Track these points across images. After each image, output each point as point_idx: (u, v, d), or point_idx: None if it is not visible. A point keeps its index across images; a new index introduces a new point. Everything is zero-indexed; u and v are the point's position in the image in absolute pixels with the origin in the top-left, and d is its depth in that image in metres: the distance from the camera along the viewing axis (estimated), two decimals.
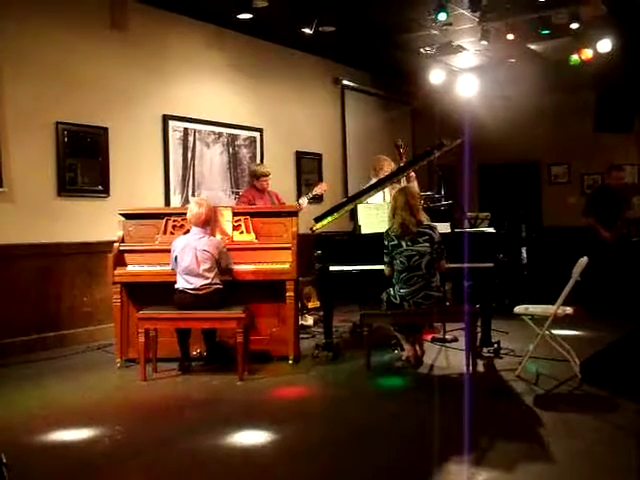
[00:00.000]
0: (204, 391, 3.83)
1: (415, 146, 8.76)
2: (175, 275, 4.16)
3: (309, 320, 5.92)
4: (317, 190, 5.91)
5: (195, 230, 4.17)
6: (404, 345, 4.41)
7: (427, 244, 4.01)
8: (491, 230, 4.72)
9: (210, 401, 3.65)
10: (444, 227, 4.49)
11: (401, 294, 4.05)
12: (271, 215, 4.71)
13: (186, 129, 6.06)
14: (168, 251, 4.25)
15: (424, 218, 4.10)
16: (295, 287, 4.41)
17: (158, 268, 4.39)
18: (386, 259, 4.12)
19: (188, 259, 4.07)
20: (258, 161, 6.65)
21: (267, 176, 5.61)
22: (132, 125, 5.61)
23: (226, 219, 4.61)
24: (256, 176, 5.62)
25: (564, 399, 3.57)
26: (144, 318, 4.06)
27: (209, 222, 4.19)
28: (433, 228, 4.07)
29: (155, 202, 5.73)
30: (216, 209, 4.63)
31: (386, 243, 4.09)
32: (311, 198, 5.89)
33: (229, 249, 4.33)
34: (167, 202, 5.87)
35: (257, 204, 5.47)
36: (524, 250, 7.85)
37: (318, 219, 4.86)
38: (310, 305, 6.30)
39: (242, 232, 4.59)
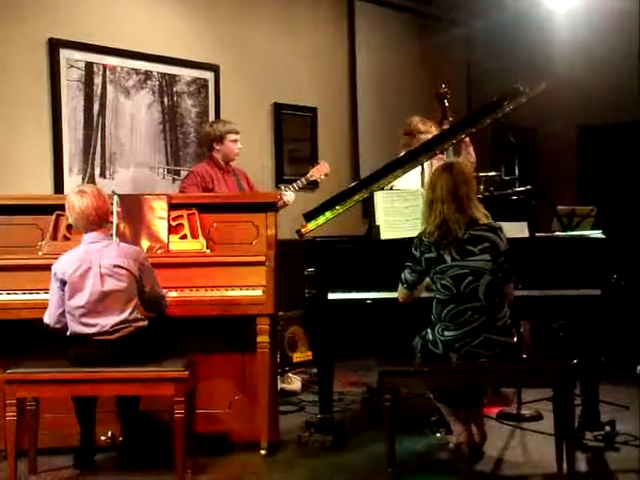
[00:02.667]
0: None
1: (471, 98, 8.81)
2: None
3: (294, 383, 5.95)
4: (314, 174, 5.97)
5: (91, 237, 4.16)
6: (452, 425, 4.42)
7: (487, 256, 4.03)
8: (599, 235, 4.75)
9: None
10: (518, 229, 4.52)
11: (446, 339, 4.06)
12: (233, 209, 4.73)
13: (90, 64, 6.05)
14: None
15: (481, 214, 4.14)
16: (271, 327, 4.42)
17: (43, 296, 4.32)
18: (409, 276, 4.16)
19: (88, 285, 4.05)
20: (212, 118, 6.69)
21: (236, 133, 5.66)
22: None
23: (157, 215, 4.62)
24: (217, 138, 5.66)
25: None
26: (15, 381, 4.02)
27: (106, 218, 4.24)
28: (496, 230, 4.10)
29: (38, 186, 5.73)
30: (141, 199, 4.65)
31: (417, 255, 4.12)
32: (303, 187, 5.93)
33: (162, 265, 4.35)
34: (58, 186, 5.88)
35: (217, 190, 5.53)
36: None
37: (310, 215, 4.89)
38: (296, 357, 6.32)
39: (184, 236, 4.61)
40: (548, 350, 4.74)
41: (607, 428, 4.56)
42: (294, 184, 5.89)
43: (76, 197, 4.18)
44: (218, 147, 5.68)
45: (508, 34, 8.44)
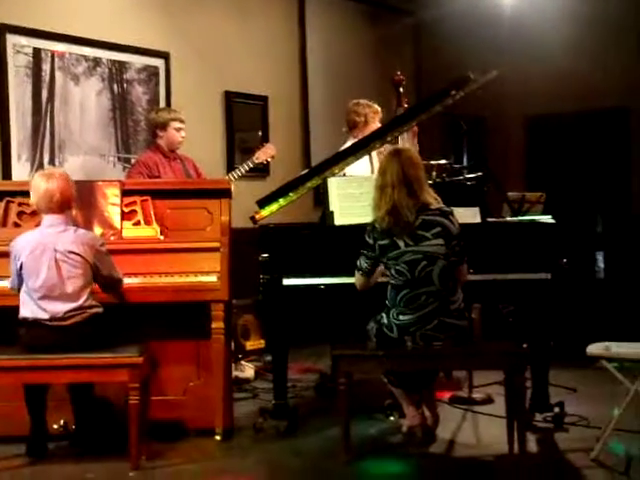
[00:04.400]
0: None
1: (421, 84, 8.88)
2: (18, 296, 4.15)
3: (247, 370, 5.98)
4: (260, 156, 5.96)
5: (50, 220, 4.15)
6: (405, 408, 4.46)
7: (440, 240, 4.08)
8: (548, 220, 4.82)
9: None
10: (471, 214, 4.59)
11: (401, 323, 4.11)
12: (187, 195, 4.73)
13: (38, 50, 5.98)
14: (8, 255, 4.22)
15: (432, 199, 4.18)
16: (226, 314, 4.44)
17: None
18: (364, 264, 4.20)
19: (43, 269, 4.05)
20: (162, 105, 6.66)
21: (180, 122, 5.65)
22: None
23: (110, 201, 4.61)
24: (161, 125, 5.66)
25: None
26: None
27: (69, 204, 4.21)
28: (447, 214, 4.14)
29: None
30: (93, 185, 4.63)
31: (371, 242, 4.15)
32: (249, 170, 5.94)
33: (116, 251, 4.34)
34: (6, 173, 5.81)
35: (163, 177, 5.51)
36: (600, 255, 8.03)
37: (264, 202, 4.89)
38: (249, 345, 6.34)
39: (138, 223, 4.60)
40: (497, 335, 4.81)
41: (556, 409, 4.65)
42: (240, 167, 5.89)
43: (42, 178, 4.17)
44: (161, 134, 5.67)
45: (457, 24, 8.50)
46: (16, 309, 4.14)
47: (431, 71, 8.70)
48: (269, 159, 6.03)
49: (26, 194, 4.50)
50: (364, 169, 5.34)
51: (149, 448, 4.18)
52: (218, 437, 4.43)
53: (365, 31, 8.65)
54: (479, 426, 4.69)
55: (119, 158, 6.50)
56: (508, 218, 5.05)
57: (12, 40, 5.83)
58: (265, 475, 4.05)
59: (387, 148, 5.01)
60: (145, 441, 4.14)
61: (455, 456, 4.24)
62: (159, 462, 4.14)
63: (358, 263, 4.23)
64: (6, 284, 4.27)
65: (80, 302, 4.08)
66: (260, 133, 7.60)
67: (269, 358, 6.07)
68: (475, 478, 3.92)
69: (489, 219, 4.76)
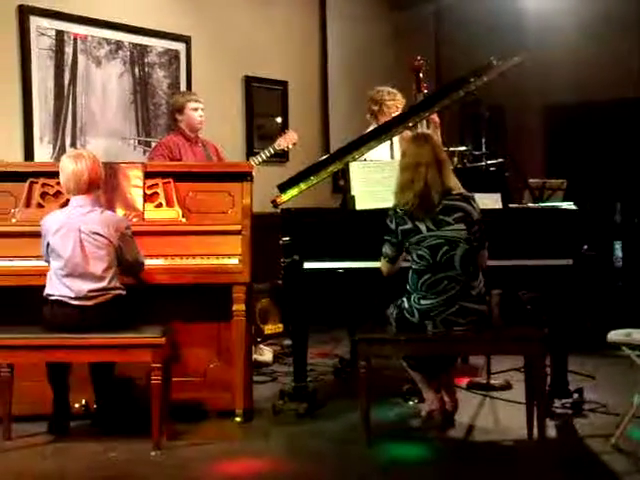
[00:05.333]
0: (94, 469, 3.84)
1: (441, 70, 8.86)
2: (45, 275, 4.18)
3: (266, 354, 6.01)
4: (282, 142, 5.97)
5: (77, 201, 4.19)
6: (424, 393, 4.47)
7: (462, 225, 4.09)
8: (570, 206, 4.83)
9: None
10: (492, 200, 4.60)
11: (422, 308, 4.12)
12: (209, 178, 4.75)
13: (61, 33, 6.01)
14: (32, 235, 4.26)
15: (455, 184, 4.19)
16: (247, 296, 4.47)
17: (17, 263, 4.39)
18: (389, 250, 4.21)
19: (68, 248, 4.08)
20: (183, 89, 6.68)
21: (196, 102, 5.67)
22: None
23: (133, 183, 4.63)
24: (178, 109, 5.68)
25: None
26: None
27: (97, 185, 4.23)
28: (469, 199, 4.15)
29: (8, 156, 5.67)
30: (116, 167, 4.65)
31: (392, 227, 4.16)
32: (270, 156, 5.95)
33: (138, 233, 4.35)
34: (29, 155, 5.84)
35: (184, 160, 5.52)
36: (619, 244, 8.01)
37: (285, 186, 4.92)
38: (268, 329, 6.37)
39: (160, 205, 4.63)
40: (515, 322, 4.81)
41: (575, 396, 4.67)
42: (261, 153, 5.90)
43: (71, 159, 4.20)
44: (180, 117, 5.70)
45: (477, 11, 8.48)
46: (40, 288, 4.17)
47: (451, 58, 8.68)
48: (290, 146, 6.03)
49: (49, 175, 4.56)
50: (384, 154, 5.35)
51: (170, 428, 4.22)
52: (238, 418, 4.46)
53: (385, 17, 8.63)
54: (498, 412, 4.71)
55: (139, 141, 6.53)
56: (530, 204, 5.04)
57: (35, 22, 5.85)
58: (286, 456, 4.05)
59: (408, 134, 5.03)
60: (166, 421, 4.18)
61: (474, 440, 4.26)
62: (180, 442, 4.17)
63: (383, 250, 4.23)
64: (33, 263, 4.32)
65: (104, 283, 4.11)
66: (279, 119, 7.61)
67: (287, 342, 6.16)
68: (494, 462, 3.92)
69: (511, 205, 4.76)
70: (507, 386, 5.14)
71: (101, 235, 4.11)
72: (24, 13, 5.79)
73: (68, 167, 4.18)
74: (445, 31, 9.18)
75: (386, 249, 4.22)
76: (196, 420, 4.48)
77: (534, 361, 4.12)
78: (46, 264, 4.21)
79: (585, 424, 4.45)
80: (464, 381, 5.22)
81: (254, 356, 5.60)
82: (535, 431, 4.08)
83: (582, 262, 4.46)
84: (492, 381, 5.17)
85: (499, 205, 4.66)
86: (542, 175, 7.52)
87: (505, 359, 5.26)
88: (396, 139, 5.38)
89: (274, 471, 3.88)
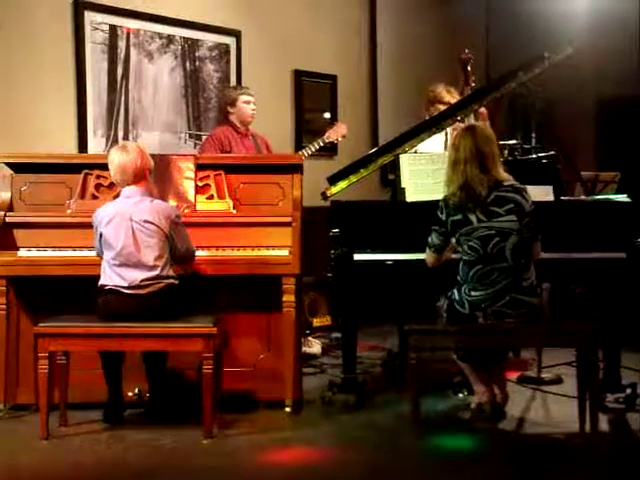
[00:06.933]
0: (147, 457, 3.89)
1: (489, 65, 8.80)
2: (99, 265, 4.24)
3: (315, 346, 6.03)
4: (331, 135, 5.98)
5: (127, 191, 4.25)
6: (474, 385, 4.47)
7: (513, 216, 4.07)
8: (624, 199, 4.79)
9: (157, 473, 3.70)
10: (544, 193, 4.57)
11: (473, 299, 4.11)
12: (259, 170, 4.78)
13: (114, 27, 6.09)
14: (86, 226, 4.32)
15: (505, 175, 4.18)
16: (297, 288, 4.49)
17: (71, 253, 4.46)
18: (436, 240, 4.21)
19: (121, 238, 4.14)
20: (233, 83, 6.72)
21: (248, 95, 5.71)
22: (19, 18, 5.64)
23: (185, 175, 4.67)
24: (230, 102, 5.74)
25: None
26: (46, 334, 4.10)
27: (144, 175, 4.29)
28: (521, 191, 4.14)
29: (62, 149, 5.77)
30: (168, 159, 4.71)
31: (443, 217, 4.16)
32: (319, 148, 5.97)
33: (189, 224, 4.39)
34: (82, 148, 5.93)
35: (235, 153, 5.57)
36: None
37: (335, 178, 4.93)
38: (316, 322, 6.39)
39: (211, 197, 4.66)
40: (565, 316, 4.78)
41: (628, 390, 4.62)
42: (310, 146, 5.93)
43: (117, 152, 4.27)
44: (232, 110, 5.76)
45: (530, 3, 8.41)
46: (95, 278, 4.23)
47: (501, 52, 8.61)
48: (340, 138, 6.04)
49: (103, 167, 4.60)
50: (438, 146, 5.33)
51: (221, 418, 4.26)
52: (288, 409, 4.47)
53: (436, 10, 8.59)
54: (549, 405, 4.69)
55: (190, 135, 6.59)
56: (583, 197, 5.00)
57: (89, 17, 5.94)
58: (335, 446, 4.06)
59: (460, 126, 5.02)
60: (217, 411, 4.21)
61: (525, 433, 4.25)
62: (231, 431, 4.21)
63: (429, 240, 4.24)
64: (86, 254, 4.39)
65: (157, 272, 4.15)
66: (327, 114, 7.61)
67: (336, 335, 6.18)
68: (546, 455, 3.90)
69: (563, 198, 4.73)
70: (558, 380, 5.10)
71: (152, 223, 4.15)
72: (79, 8, 5.89)
73: (114, 159, 4.25)
74: (496, 24, 9.10)
75: (433, 239, 4.22)
76: (246, 410, 4.50)
77: (586, 353, 4.09)
78: (97, 255, 4.28)
79: (638, 419, 4.40)
80: (515, 375, 5.18)
81: (303, 348, 5.62)
82: (587, 425, 4.05)
83: (636, 255, 4.41)
84: (543, 375, 5.13)
85: (551, 198, 4.63)
86: (595, 168, 7.46)
87: (556, 354, 5.24)
88: (450, 130, 5.37)
89: (323, 460, 3.90)
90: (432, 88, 5.65)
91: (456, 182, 4.12)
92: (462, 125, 5.13)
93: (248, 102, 5.73)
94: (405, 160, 4.81)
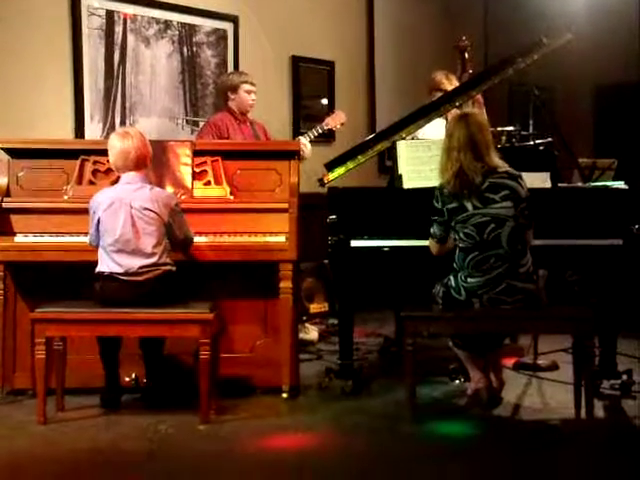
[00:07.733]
0: (143, 442, 3.90)
1: (487, 52, 8.79)
2: (96, 252, 4.24)
3: (311, 332, 6.05)
4: (329, 122, 5.97)
5: (127, 177, 4.25)
6: (470, 372, 4.46)
7: (509, 203, 4.08)
8: (621, 185, 4.79)
9: (154, 458, 3.71)
10: (541, 179, 4.57)
11: (469, 286, 4.12)
12: (257, 156, 4.78)
13: (110, 12, 6.08)
14: (83, 212, 4.31)
15: (499, 162, 4.18)
16: (294, 274, 4.49)
17: (68, 239, 4.47)
18: (438, 230, 4.22)
19: (119, 224, 4.14)
20: (231, 69, 6.71)
21: (251, 85, 5.70)
22: (15, 4, 5.63)
23: (182, 161, 4.67)
24: (232, 88, 5.71)
25: None
26: (44, 320, 4.11)
27: (145, 162, 4.28)
28: (516, 177, 4.14)
29: (59, 135, 5.78)
30: (165, 145, 4.70)
31: (439, 206, 4.17)
32: (318, 135, 5.96)
33: (186, 210, 4.39)
34: (79, 133, 5.93)
35: (232, 139, 5.55)
36: None
37: (332, 165, 4.93)
38: (313, 308, 6.40)
39: (208, 183, 4.66)
40: (561, 303, 4.79)
41: (624, 377, 4.63)
42: (309, 132, 5.91)
43: (118, 137, 4.26)
44: (233, 97, 5.73)
45: None
46: (92, 264, 4.23)
47: (500, 38, 8.59)
48: (338, 126, 6.03)
49: (100, 153, 4.60)
50: (439, 133, 5.32)
51: (218, 403, 4.26)
52: (284, 395, 4.49)
53: None
54: (544, 392, 4.69)
55: (187, 121, 6.59)
56: (579, 184, 5.00)
57: (86, 2, 5.93)
58: (332, 432, 4.07)
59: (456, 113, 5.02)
60: (214, 396, 4.22)
61: (521, 419, 4.25)
62: (227, 417, 4.22)
63: (431, 230, 4.24)
64: (83, 239, 4.37)
65: (154, 259, 4.16)
66: (324, 101, 7.61)
67: (332, 321, 6.20)
68: (542, 441, 3.92)
69: (560, 184, 4.73)
70: (554, 366, 5.12)
71: (151, 210, 4.15)
72: None
73: (116, 145, 4.24)
74: (494, 11, 9.08)
75: (434, 229, 4.23)
76: (243, 396, 4.50)
77: (582, 339, 4.10)
78: (89, 243, 4.28)
79: (634, 405, 4.41)
80: (511, 361, 5.20)
81: (300, 334, 5.64)
82: (582, 411, 4.07)
83: (632, 242, 4.42)
84: (539, 361, 5.15)
85: (548, 184, 4.63)
86: (592, 155, 7.46)
87: (552, 340, 5.25)
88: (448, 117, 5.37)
89: (320, 446, 3.91)
90: (432, 76, 5.66)
91: (450, 170, 4.13)
92: (457, 112, 5.13)
93: (249, 92, 5.70)
94: (402, 147, 4.81)
